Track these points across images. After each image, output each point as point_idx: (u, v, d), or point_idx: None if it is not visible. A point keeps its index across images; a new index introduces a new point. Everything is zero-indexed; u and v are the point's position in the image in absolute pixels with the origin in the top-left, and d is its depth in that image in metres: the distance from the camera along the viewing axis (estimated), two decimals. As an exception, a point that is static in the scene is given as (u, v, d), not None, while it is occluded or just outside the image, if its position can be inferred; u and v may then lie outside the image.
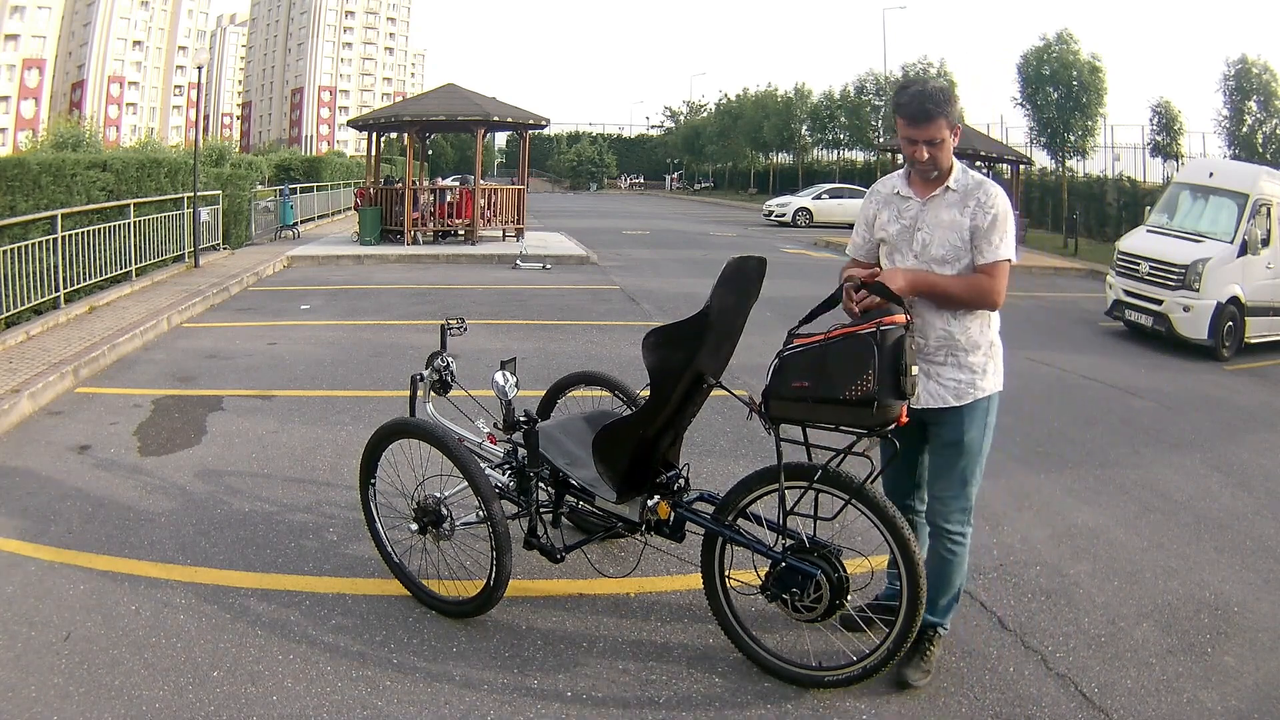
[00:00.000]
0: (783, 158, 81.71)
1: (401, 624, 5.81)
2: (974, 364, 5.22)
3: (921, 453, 5.48)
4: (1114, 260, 18.13)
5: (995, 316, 5.30)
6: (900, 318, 4.77)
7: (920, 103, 5.05)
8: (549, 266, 24.72)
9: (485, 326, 15.11)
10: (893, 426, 4.80)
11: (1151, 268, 16.92)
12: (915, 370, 4.79)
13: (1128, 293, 17.34)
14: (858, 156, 71.96)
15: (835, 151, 73.50)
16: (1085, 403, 11.86)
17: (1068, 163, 41.20)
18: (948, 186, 5.19)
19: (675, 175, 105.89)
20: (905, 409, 4.75)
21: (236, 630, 5.68)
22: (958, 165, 5.26)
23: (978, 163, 34.29)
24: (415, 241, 28.37)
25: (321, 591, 6.16)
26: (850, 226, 54.13)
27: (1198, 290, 16.04)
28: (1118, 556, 7.13)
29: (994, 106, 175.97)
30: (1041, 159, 43.01)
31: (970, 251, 5.12)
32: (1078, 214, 38.27)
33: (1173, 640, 5.93)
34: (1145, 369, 14.39)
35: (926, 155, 5.12)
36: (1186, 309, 16.08)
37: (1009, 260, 5.09)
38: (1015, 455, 9.39)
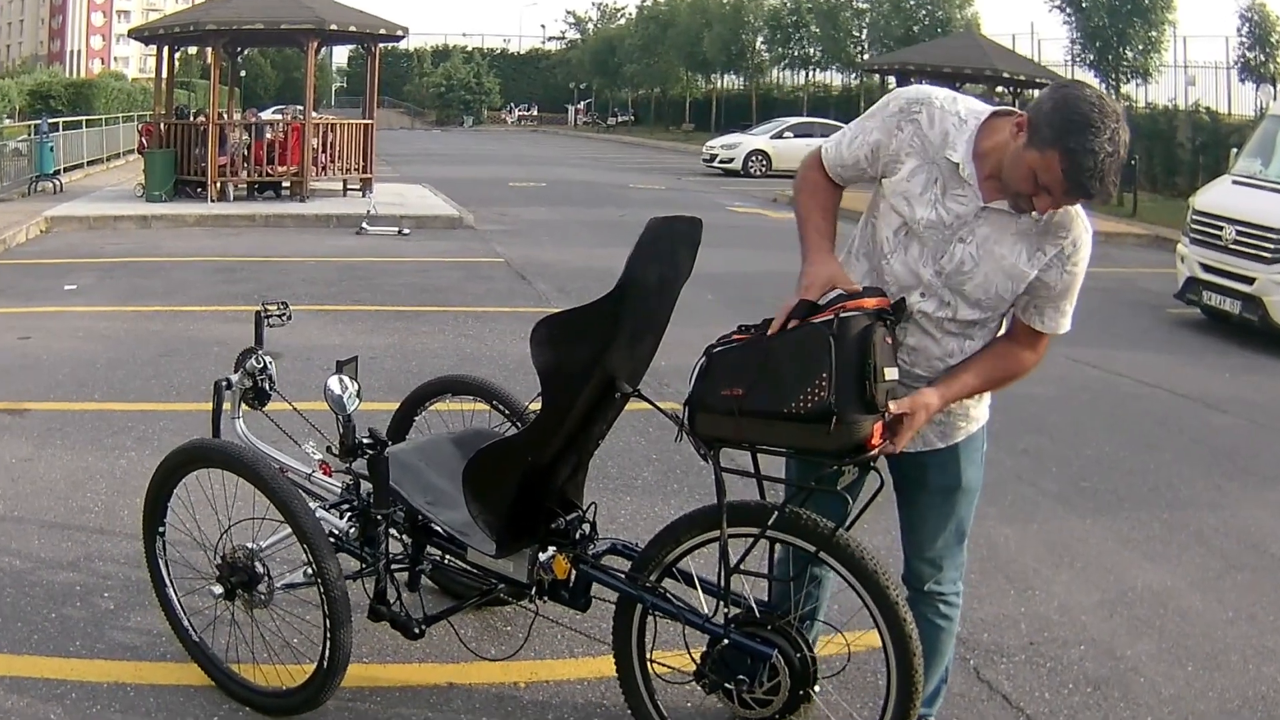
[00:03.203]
0: (731, 81, 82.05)
1: (201, 726, 5.79)
2: None
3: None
4: (1187, 223, 18.05)
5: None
6: (870, 301, 4.68)
7: (1111, 181, 4.47)
8: (407, 232, 24.84)
9: (318, 314, 15.18)
10: (871, 453, 4.73)
11: (1239, 233, 16.71)
12: (892, 374, 4.70)
13: (1206, 267, 17.22)
14: (834, 80, 72.48)
15: (803, 73, 73.99)
16: (1146, 419, 12.02)
17: (1123, 88, 41.66)
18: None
19: (582, 105, 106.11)
20: (880, 428, 4.68)
21: (-30, 736, 5.64)
22: None
23: (999, 88, 34.53)
24: (223, 197, 28.26)
25: (93, 680, 6.08)
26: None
27: (1304, 264, 16.09)
28: (1192, 632, 7.17)
29: (1023, 11, 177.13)
30: (1088, 82, 43.31)
31: (1012, 301, 4.95)
32: (1137, 159, 38.17)
33: (1270, 748, 5.99)
34: (1230, 372, 14.62)
35: (1045, 211, 4.71)
36: (1289, 289, 16.12)
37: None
38: (1050, 491, 9.50)
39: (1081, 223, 4.79)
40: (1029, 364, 5.00)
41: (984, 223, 4.80)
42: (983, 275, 4.82)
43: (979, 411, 5.22)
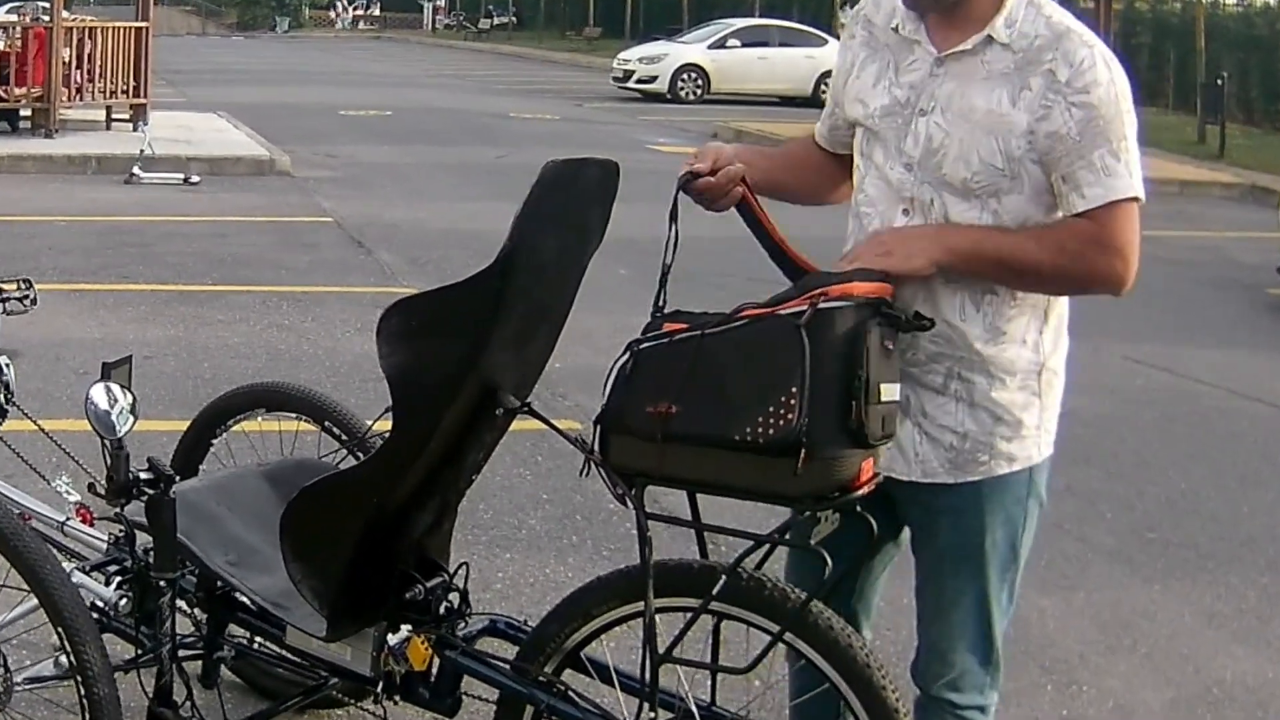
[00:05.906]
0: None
1: None
2: (1003, 404, 4.85)
3: (876, 552, 5.21)
4: None
5: (1062, 317, 4.97)
6: (861, 287, 4.47)
7: None
8: (197, 180, 24.83)
9: (71, 296, 15.12)
10: (855, 496, 4.54)
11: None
12: (892, 393, 4.49)
13: None
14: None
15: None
16: (1239, 444, 12.10)
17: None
18: (989, 36, 4.67)
19: (443, 2, 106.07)
20: (871, 466, 4.52)
21: None
22: None
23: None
24: (-64, 131, 28.05)
25: None
26: (786, 101, 53.57)
27: None
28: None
29: None
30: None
31: (1026, 179, 4.70)
32: (1225, 78, 38.30)
33: None
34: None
35: None
36: None
37: (1135, 198, 4.62)
38: (1104, 546, 9.53)
39: (1075, 37, 4.59)
40: (1102, 252, 4.60)
41: (945, 78, 4.71)
42: (958, 143, 4.65)
43: (1015, 446, 4.88)
